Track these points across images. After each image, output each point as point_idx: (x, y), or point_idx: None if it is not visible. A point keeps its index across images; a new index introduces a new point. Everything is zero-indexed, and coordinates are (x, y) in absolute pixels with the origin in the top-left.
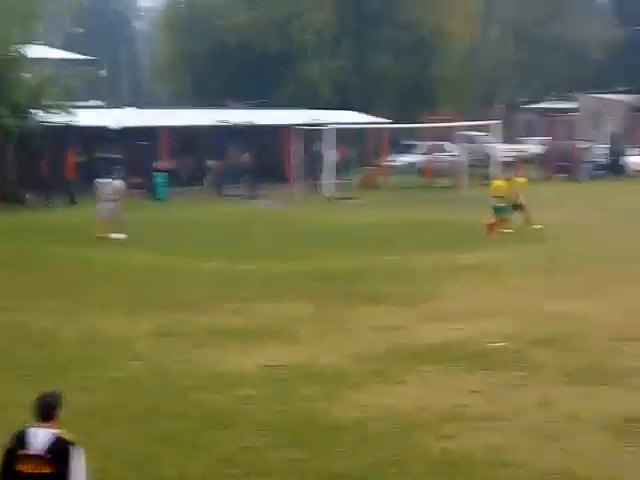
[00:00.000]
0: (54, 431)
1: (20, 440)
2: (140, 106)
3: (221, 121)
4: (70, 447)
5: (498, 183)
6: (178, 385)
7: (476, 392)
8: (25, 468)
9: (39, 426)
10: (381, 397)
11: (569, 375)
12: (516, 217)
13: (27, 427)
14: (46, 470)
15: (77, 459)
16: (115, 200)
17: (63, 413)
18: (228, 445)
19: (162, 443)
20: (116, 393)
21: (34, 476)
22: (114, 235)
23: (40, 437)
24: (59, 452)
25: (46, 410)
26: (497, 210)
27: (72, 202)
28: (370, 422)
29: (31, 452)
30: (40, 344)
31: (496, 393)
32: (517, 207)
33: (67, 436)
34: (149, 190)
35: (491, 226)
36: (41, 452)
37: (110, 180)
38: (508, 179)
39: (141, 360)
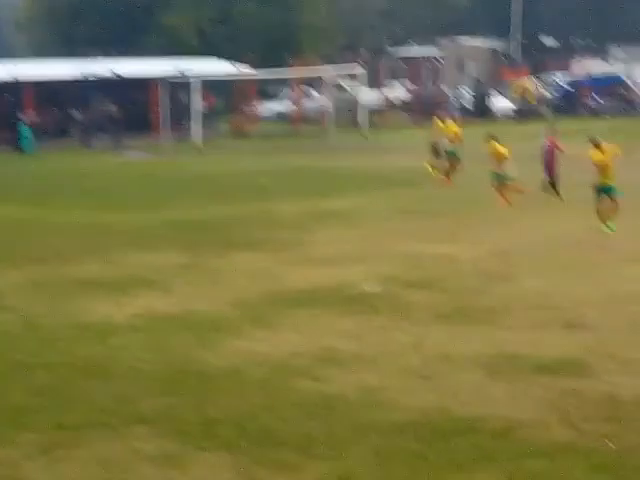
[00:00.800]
0: None
1: None
2: (2, 59)
3: (86, 74)
4: None
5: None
6: (49, 337)
7: (349, 335)
8: None
9: None
10: (256, 343)
11: (441, 316)
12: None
13: None
14: None
15: None
16: None
17: None
18: (102, 394)
19: (35, 395)
20: None
21: None
22: None
23: None
24: None
25: None
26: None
27: None
28: (246, 368)
29: None
30: None
31: (369, 336)
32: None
33: None
34: (14, 144)
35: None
36: None
37: None
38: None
39: (10, 313)
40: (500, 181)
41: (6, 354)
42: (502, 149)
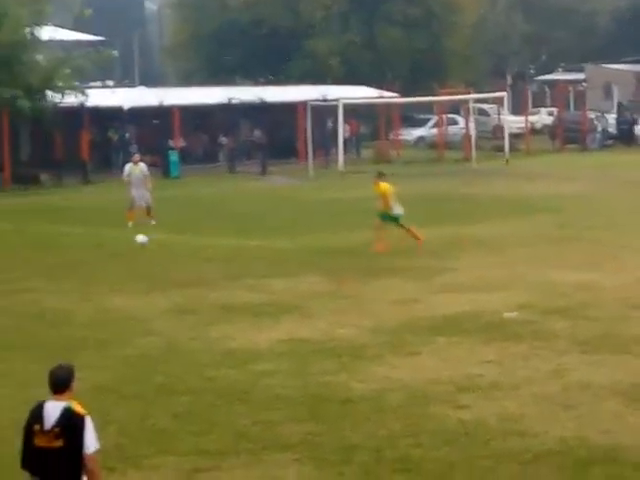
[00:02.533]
0: (64, 404)
1: (36, 415)
2: (152, 85)
3: (233, 98)
4: (79, 419)
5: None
6: (193, 361)
7: (490, 362)
8: (39, 442)
9: (53, 399)
10: (396, 369)
11: (581, 344)
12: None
13: (43, 402)
14: (58, 444)
15: (88, 430)
16: (145, 184)
17: (78, 388)
18: (244, 420)
19: (177, 419)
20: (131, 370)
21: (47, 450)
22: (153, 221)
23: (52, 411)
24: (69, 425)
25: (58, 383)
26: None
27: (86, 182)
28: (386, 394)
29: (45, 426)
30: (56, 324)
31: (510, 363)
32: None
33: (76, 408)
34: (162, 169)
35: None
36: (52, 426)
37: (132, 163)
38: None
39: (156, 337)
40: (386, 221)
41: (151, 378)
42: (389, 188)
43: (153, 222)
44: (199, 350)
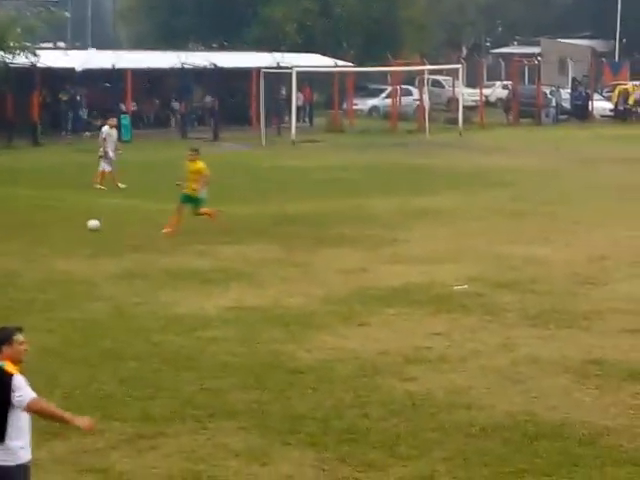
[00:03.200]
0: None
1: None
2: (104, 49)
3: (185, 63)
4: (6, 377)
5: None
6: (140, 327)
7: (438, 334)
8: None
9: None
10: (345, 340)
11: (531, 318)
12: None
13: None
14: None
15: (19, 388)
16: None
17: (28, 352)
18: (190, 386)
19: (124, 384)
20: (78, 334)
21: None
22: (121, 185)
23: None
24: None
25: None
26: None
27: (36, 143)
28: (334, 364)
29: None
30: (3, 286)
31: (458, 336)
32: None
33: (6, 367)
34: None
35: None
36: None
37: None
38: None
39: (103, 301)
40: (186, 203)
41: (97, 342)
42: (205, 168)
43: (122, 185)
44: (146, 315)
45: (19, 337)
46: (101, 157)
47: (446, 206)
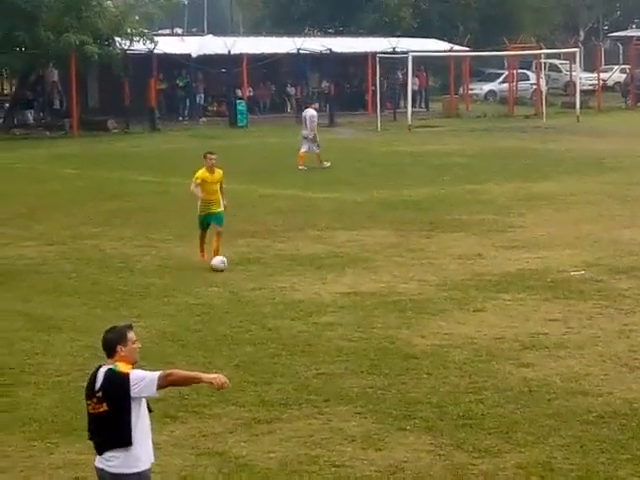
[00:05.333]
0: (109, 366)
1: (92, 378)
2: (220, 34)
3: (301, 48)
4: (123, 378)
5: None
6: (256, 312)
7: (555, 321)
8: (89, 407)
9: (106, 363)
10: (460, 325)
11: None
12: None
13: (100, 365)
14: (102, 409)
15: (137, 379)
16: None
17: (140, 336)
18: (306, 371)
19: (240, 369)
20: (194, 319)
21: (95, 415)
22: (326, 163)
23: (100, 375)
24: (111, 388)
25: (104, 347)
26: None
27: (153, 129)
28: (449, 350)
29: (93, 391)
30: (121, 271)
31: (575, 322)
32: None
33: (120, 368)
34: (230, 118)
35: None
36: (96, 390)
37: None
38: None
39: (219, 287)
40: (210, 223)
41: (214, 328)
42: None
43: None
44: (262, 300)
45: (132, 335)
46: (305, 138)
47: (562, 191)
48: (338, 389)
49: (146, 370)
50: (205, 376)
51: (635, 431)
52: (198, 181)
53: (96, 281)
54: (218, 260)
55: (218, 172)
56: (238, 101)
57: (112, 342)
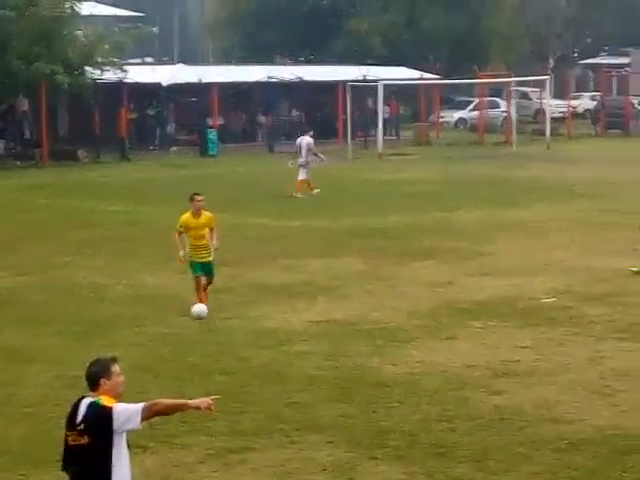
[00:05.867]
0: (92, 399)
1: (71, 412)
2: (191, 63)
3: (272, 77)
4: (106, 412)
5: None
6: (228, 341)
7: (526, 348)
8: (70, 440)
9: (88, 396)
10: (432, 353)
11: (619, 331)
12: None
13: (82, 397)
14: (82, 441)
15: (119, 412)
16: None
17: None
18: (278, 401)
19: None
20: (166, 349)
21: (75, 448)
22: (316, 190)
23: (82, 407)
24: (94, 422)
25: (88, 379)
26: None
27: (124, 158)
28: (420, 378)
29: (74, 423)
30: (92, 301)
31: (546, 349)
32: None
33: (103, 402)
34: (200, 147)
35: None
36: (78, 423)
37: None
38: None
39: (189, 316)
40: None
41: (185, 358)
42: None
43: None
44: (234, 330)
45: (116, 368)
46: (301, 166)
47: (533, 218)
48: (309, 418)
49: (124, 402)
50: (191, 402)
51: (607, 458)
52: (181, 229)
53: (67, 311)
54: (200, 309)
55: (206, 215)
56: (209, 130)
57: (96, 375)
